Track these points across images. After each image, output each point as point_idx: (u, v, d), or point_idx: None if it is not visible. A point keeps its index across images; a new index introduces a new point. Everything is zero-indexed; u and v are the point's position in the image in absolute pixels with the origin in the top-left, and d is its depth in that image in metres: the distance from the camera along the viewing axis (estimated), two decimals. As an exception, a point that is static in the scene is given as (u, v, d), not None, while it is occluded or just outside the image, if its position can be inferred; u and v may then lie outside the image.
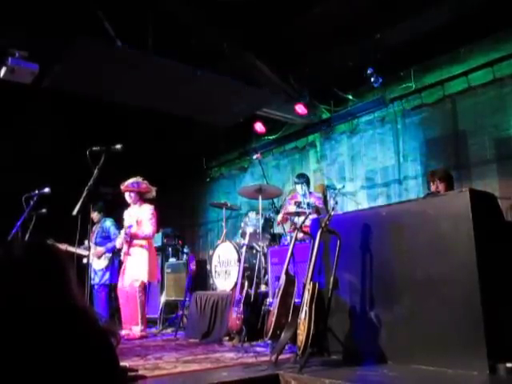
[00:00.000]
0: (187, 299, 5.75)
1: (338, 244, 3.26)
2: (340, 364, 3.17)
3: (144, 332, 5.23)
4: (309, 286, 3.19)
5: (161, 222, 6.08)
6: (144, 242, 5.44)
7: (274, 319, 3.51)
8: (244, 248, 4.86)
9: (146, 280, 5.35)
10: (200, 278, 6.39)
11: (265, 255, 5.06)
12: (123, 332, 5.11)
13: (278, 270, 4.33)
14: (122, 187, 5.53)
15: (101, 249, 5.98)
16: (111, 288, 5.95)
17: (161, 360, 3.67)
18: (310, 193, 5.78)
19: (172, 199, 8.99)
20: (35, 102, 6.40)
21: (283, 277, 3.66)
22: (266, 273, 5.03)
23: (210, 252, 5.89)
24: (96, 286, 5.95)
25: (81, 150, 3.70)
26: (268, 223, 5.48)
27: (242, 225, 5.58)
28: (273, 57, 6.06)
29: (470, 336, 2.72)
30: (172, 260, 7.03)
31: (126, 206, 5.66)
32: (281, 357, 3.26)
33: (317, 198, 5.84)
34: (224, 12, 5.31)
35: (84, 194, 3.56)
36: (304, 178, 5.74)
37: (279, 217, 5.61)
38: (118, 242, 5.53)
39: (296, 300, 3.52)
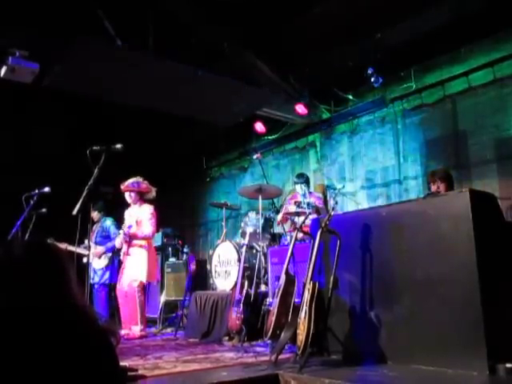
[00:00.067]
0: (187, 299, 5.75)
1: (337, 244, 3.26)
2: (340, 364, 3.17)
3: (144, 332, 5.23)
4: (309, 286, 3.19)
5: (161, 221, 6.08)
6: (143, 242, 5.44)
7: (273, 319, 3.51)
8: (244, 248, 4.86)
9: (144, 280, 5.35)
10: (200, 278, 6.39)
11: (265, 255, 5.06)
12: (123, 332, 5.11)
13: (278, 270, 4.33)
14: (123, 187, 5.53)
15: (101, 248, 5.97)
16: (111, 287, 5.95)
17: (160, 360, 3.68)
18: (310, 193, 5.78)
19: (172, 199, 8.98)
20: (35, 102, 6.40)
21: (283, 276, 3.66)
22: (265, 273, 5.02)
23: (210, 252, 5.89)
24: (96, 286, 5.95)
25: (81, 149, 3.70)
26: (268, 223, 5.48)
27: (242, 225, 5.58)
28: (273, 56, 6.06)
29: (469, 336, 2.72)
30: (172, 260, 7.03)
31: (126, 205, 5.67)
32: (280, 357, 3.26)
33: (317, 198, 5.84)
34: (224, 11, 5.31)
35: (84, 194, 3.56)
36: (303, 178, 5.74)
37: (279, 217, 5.61)
38: (118, 241, 5.53)
39: (296, 300, 3.52)
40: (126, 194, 5.55)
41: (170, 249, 7.29)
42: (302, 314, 3.11)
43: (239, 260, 5.07)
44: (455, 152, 5.68)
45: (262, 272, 5.05)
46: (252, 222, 5.43)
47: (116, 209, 6.20)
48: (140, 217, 5.45)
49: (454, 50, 5.62)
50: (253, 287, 4.59)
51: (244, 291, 4.49)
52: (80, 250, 5.11)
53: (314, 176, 7.15)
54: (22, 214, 4.81)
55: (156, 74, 5.46)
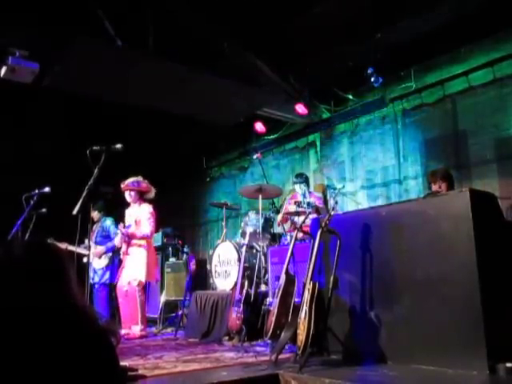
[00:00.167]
0: (187, 299, 5.75)
1: (337, 244, 3.26)
2: (340, 364, 3.17)
3: (144, 331, 5.23)
4: (309, 286, 3.19)
5: (161, 221, 6.09)
6: (143, 242, 5.44)
7: (273, 319, 3.51)
8: (244, 248, 4.86)
9: (143, 280, 5.34)
10: (200, 278, 6.40)
11: (265, 255, 5.06)
12: (123, 331, 5.12)
13: (278, 270, 4.33)
14: (122, 186, 5.53)
15: (101, 248, 5.97)
16: (111, 287, 5.95)
17: (161, 359, 3.68)
18: (310, 192, 5.79)
19: (172, 199, 8.99)
20: (35, 102, 6.40)
21: (283, 276, 3.66)
22: (265, 272, 5.03)
23: (210, 252, 5.90)
24: (96, 286, 5.95)
25: (81, 149, 3.70)
26: (268, 223, 5.49)
27: (242, 224, 5.59)
28: (273, 56, 6.06)
29: (469, 336, 2.72)
30: (172, 260, 7.04)
31: (126, 205, 5.67)
32: (281, 356, 3.26)
33: (317, 198, 5.84)
34: (224, 11, 5.31)
35: (84, 194, 3.57)
36: (302, 178, 5.74)
37: (279, 217, 5.61)
38: (117, 240, 5.53)
39: (296, 300, 3.52)
40: (126, 193, 5.55)
41: (170, 249, 7.30)
42: (302, 314, 3.11)
43: (239, 260, 5.08)
44: (455, 152, 5.68)
45: (262, 272, 5.05)
46: (252, 221, 5.43)
47: (116, 209, 6.20)
48: (139, 216, 5.45)
49: (454, 50, 5.61)
50: (253, 287, 4.59)
51: (244, 291, 4.49)
52: (80, 250, 5.11)
53: (313, 176, 7.15)
54: (22, 214, 4.81)
55: (156, 74, 5.46)
